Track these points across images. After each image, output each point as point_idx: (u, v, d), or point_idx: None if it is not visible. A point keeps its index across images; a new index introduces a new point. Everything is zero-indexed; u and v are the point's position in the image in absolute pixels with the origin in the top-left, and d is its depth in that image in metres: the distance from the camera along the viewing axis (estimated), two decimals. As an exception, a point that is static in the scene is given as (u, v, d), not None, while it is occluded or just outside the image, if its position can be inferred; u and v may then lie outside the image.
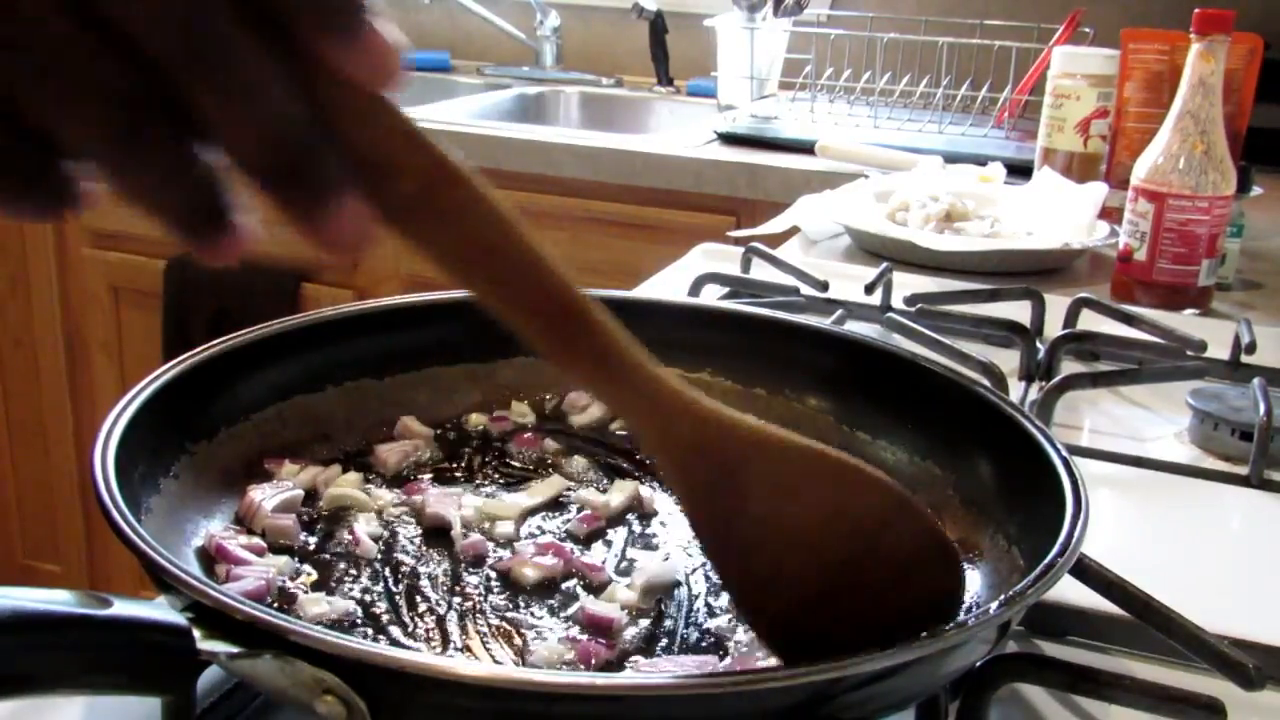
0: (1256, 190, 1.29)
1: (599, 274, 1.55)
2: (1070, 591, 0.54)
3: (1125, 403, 0.89)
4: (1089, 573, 0.54)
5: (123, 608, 0.38)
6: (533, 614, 0.51)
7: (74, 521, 2.23)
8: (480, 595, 0.53)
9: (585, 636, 0.50)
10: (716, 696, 0.39)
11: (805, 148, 1.69)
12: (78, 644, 0.37)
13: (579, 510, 0.60)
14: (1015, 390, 0.86)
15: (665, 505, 0.62)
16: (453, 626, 0.50)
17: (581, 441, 0.68)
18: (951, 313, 0.97)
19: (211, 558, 0.53)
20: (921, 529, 0.45)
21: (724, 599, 0.53)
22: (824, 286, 0.99)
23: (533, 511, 0.60)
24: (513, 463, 0.66)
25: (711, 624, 0.52)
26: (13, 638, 0.36)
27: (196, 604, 0.40)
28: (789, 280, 1.02)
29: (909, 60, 1.92)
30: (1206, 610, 0.52)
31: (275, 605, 0.50)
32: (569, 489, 0.62)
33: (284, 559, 0.54)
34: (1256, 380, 0.80)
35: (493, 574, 0.54)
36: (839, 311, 0.93)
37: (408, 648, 0.48)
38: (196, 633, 0.39)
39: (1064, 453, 0.55)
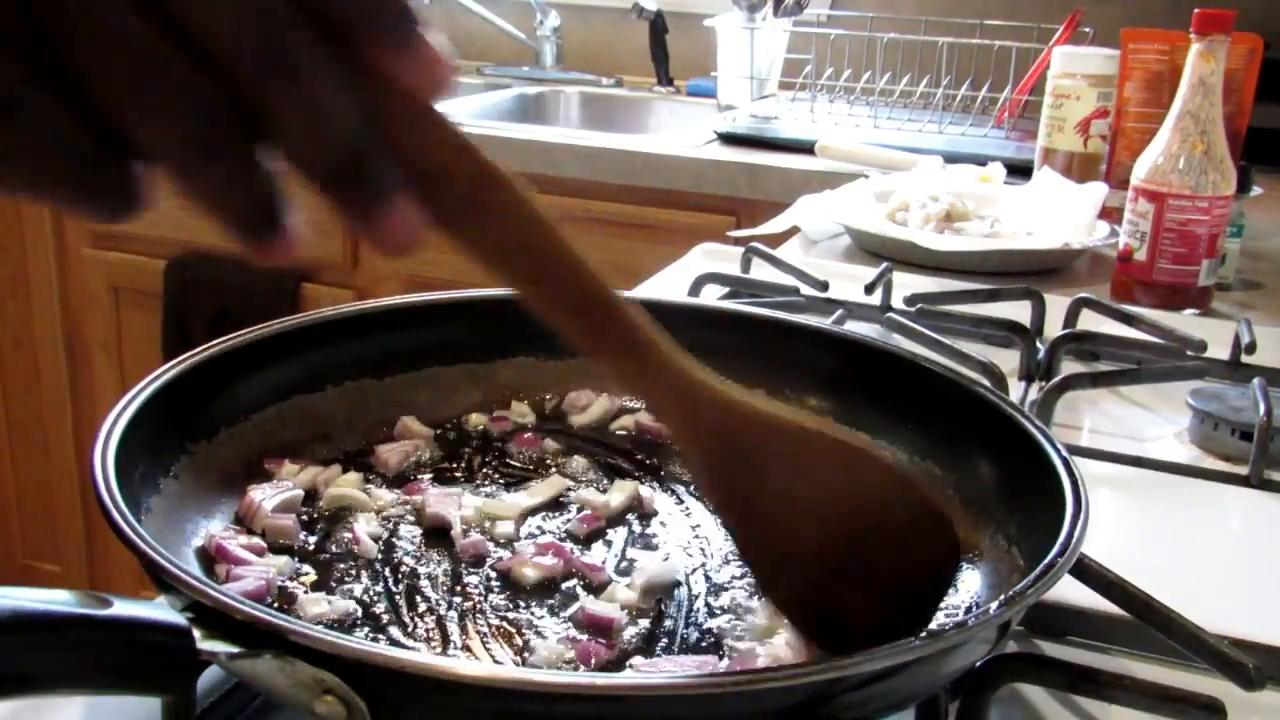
0: (1256, 190, 1.29)
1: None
2: (1070, 591, 0.54)
3: (1125, 403, 0.89)
4: (1089, 573, 0.54)
5: (123, 608, 0.38)
6: (533, 614, 0.51)
7: (74, 521, 2.23)
8: (480, 595, 0.53)
9: (585, 636, 0.50)
10: (716, 696, 0.39)
11: (805, 148, 1.69)
12: (78, 644, 0.37)
13: (579, 510, 0.60)
14: (1015, 390, 0.86)
15: (665, 505, 0.62)
16: (453, 626, 0.50)
17: (581, 441, 0.68)
18: (951, 313, 0.97)
19: (211, 558, 0.53)
20: (919, 501, 0.48)
21: (724, 599, 0.53)
22: (824, 286, 0.99)
23: (533, 511, 0.60)
24: (513, 463, 0.66)
25: (711, 624, 0.52)
26: (13, 638, 0.36)
27: (196, 604, 0.40)
28: (789, 280, 1.02)
29: (909, 60, 1.92)
30: (1206, 610, 0.52)
31: (275, 605, 0.50)
32: (569, 489, 0.62)
33: (284, 559, 0.54)
34: (1256, 380, 0.80)
35: (493, 574, 0.54)
36: (839, 311, 0.93)
37: (408, 648, 0.48)
38: (196, 633, 0.39)
39: (1064, 453, 0.55)
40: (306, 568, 0.54)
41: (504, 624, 0.51)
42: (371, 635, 0.49)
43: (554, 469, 0.65)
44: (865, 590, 0.48)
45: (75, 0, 0.28)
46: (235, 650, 0.39)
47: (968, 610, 0.53)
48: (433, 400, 0.69)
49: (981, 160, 1.54)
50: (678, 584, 0.54)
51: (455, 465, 0.65)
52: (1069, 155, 1.46)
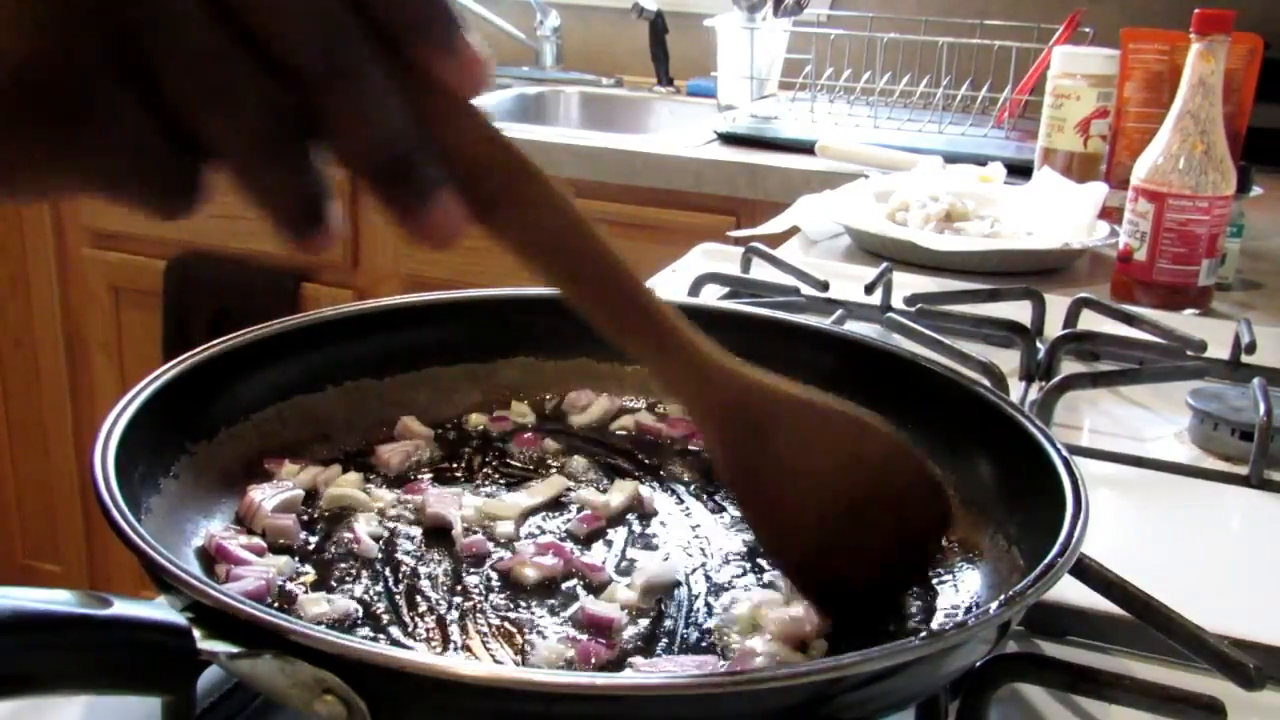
0: (1256, 190, 1.29)
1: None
2: (1070, 591, 0.54)
3: (1125, 403, 0.89)
4: (1089, 573, 0.54)
5: (123, 608, 0.38)
6: (533, 614, 0.51)
7: (74, 521, 2.23)
8: (480, 595, 0.53)
9: (585, 636, 0.49)
10: (716, 696, 0.39)
11: (805, 148, 1.69)
12: (78, 644, 0.37)
13: (579, 510, 0.60)
14: (1015, 390, 0.86)
15: (665, 505, 0.62)
16: (453, 626, 0.50)
17: (581, 441, 0.68)
18: (951, 313, 0.97)
19: (211, 558, 0.53)
20: (916, 468, 0.52)
21: (724, 599, 0.53)
22: (824, 286, 0.99)
23: (533, 511, 0.60)
24: (513, 463, 0.66)
25: (711, 624, 0.52)
26: (13, 638, 0.36)
27: (196, 604, 0.40)
28: (789, 280, 1.02)
29: (909, 60, 1.92)
30: (1206, 610, 0.52)
31: (275, 605, 0.50)
32: (569, 489, 0.62)
33: (284, 559, 0.54)
34: (1256, 380, 0.80)
35: (493, 574, 0.54)
36: (839, 311, 0.93)
37: (408, 648, 0.48)
38: (196, 633, 0.39)
39: (1064, 453, 0.55)
40: (306, 568, 0.54)
41: (504, 624, 0.51)
42: (371, 635, 0.49)
43: (554, 469, 0.65)
44: (864, 553, 0.52)
45: (156, 7, 0.30)
46: (235, 650, 0.39)
47: (968, 610, 0.53)
48: (433, 400, 0.69)
49: (981, 160, 1.54)
50: (678, 584, 0.54)
51: (455, 465, 0.65)
52: (1069, 155, 1.46)
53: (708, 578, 0.55)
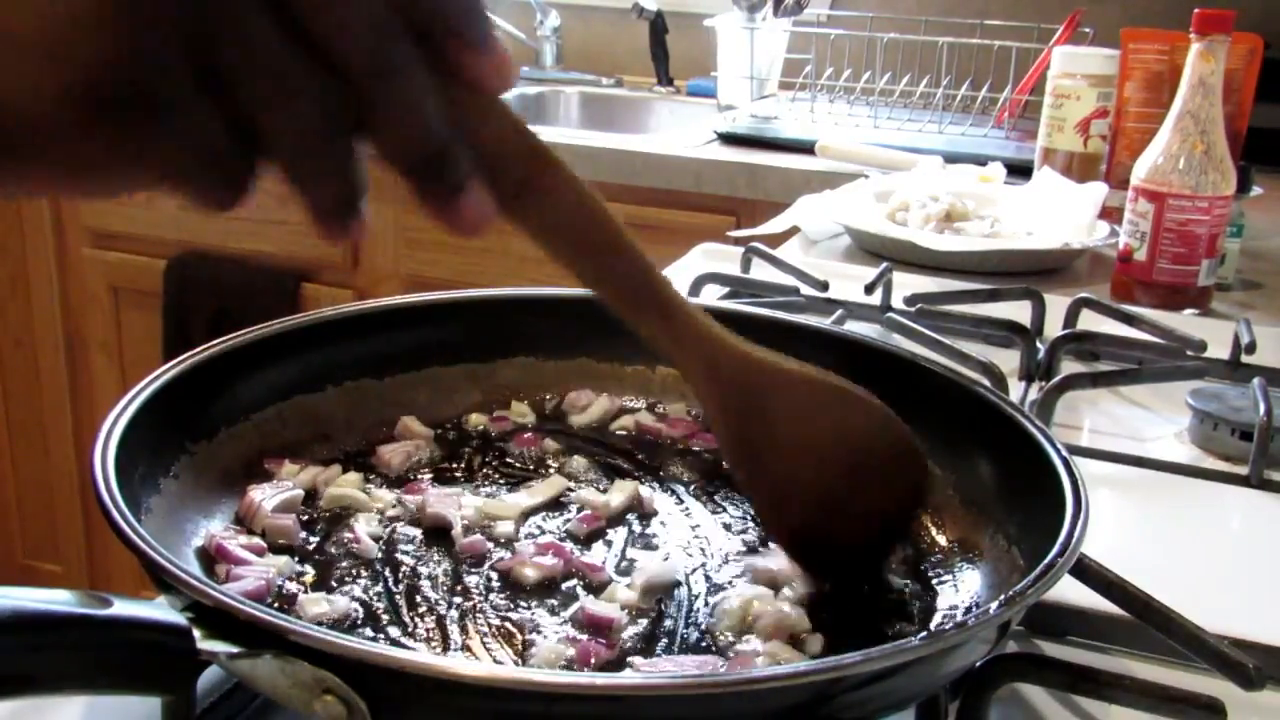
0: (1256, 190, 1.29)
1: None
2: (1070, 591, 0.54)
3: (1125, 403, 0.89)
4: (1089, 573, 0.54)
5: (123, 608, 0.38)
6: (533, 614, 0.51)
7: (74, 521, 2.23)
8: (480, 595, 0.53)
9: (585, 636, 0.50)
10: (716, 696, 0.39)
11: (805, 148, 1.69)
12: (78, 644, 0.37)
13: (579, 510, 0.60)
14: (1015, 390, 0.86)
15: (665, 505, 0.62)
16: (453, 626, 0.50)
17: (581, 441, 0.68)
18: (951, 313, 0.97)
19: (211, 558, 0.53)
20: (900, 437, 0.55)
21: (717, 596, 0.53)
22: (824, 286, 0.99)
23: (533, 511, 0.60)
24: (513, 463, 0.66)
25: (705, 622, 0.51)
26: (13, 638, 0.36)
27: (196, 604, 0.40)
28: (789, 280, 1.02)
29: (909, 60, 1.92)
30: (1206, 610, 0.52)
31: (275, 605, 0.50)
32: (569, 489, 0.62)
33: (284, 559, 0.54)
34: (1256, 380, 0.80)
35: (493, 574, 0.54)
36: (839, 311, 0.93)
37: (408, 648, 0.48)
38: (196, 633, 0.39)
39: (1064, 453, 0.55)
40: (306, 568, 0.54)
41: (504, 624, 0.51)
42: (371, 635, 0.49)
43: (554, 469, 0.65)
44: (853, 518, 0.55)
45: (229, 15, 0.33)
46: (235, 650, 0.39)
47: (968, 610, 0.53)
48: (433, 400, 0.69)
49: (981, 160, 1.54)
50: (678, 584, 0.54)
51: (455, 465, 0.65)
52: (1069, 155, 1.46)
53: (708, 578, 0.55)
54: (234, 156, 0.34)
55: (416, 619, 0.51)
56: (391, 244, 1.84)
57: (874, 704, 0.42)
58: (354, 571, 0.54)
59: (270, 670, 0.38)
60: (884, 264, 1.03)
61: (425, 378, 0.69)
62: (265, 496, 0.57)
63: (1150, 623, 0.52)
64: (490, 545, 0.57)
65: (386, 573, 0.54)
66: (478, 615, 0.51)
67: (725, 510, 0.62)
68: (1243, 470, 0.76)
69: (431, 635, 0.50)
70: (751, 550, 0.58)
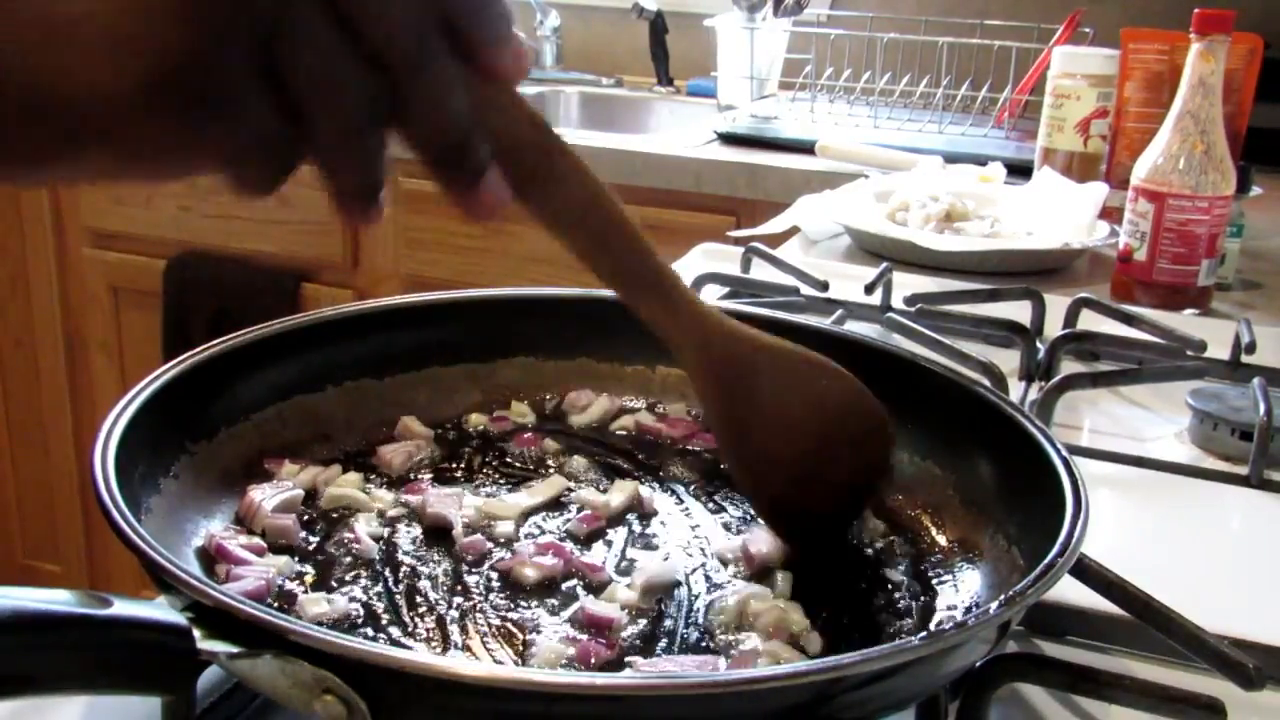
0: (1256, 190, 1.29)
1: (599, 274, 1.55)
2: (1070, 591, 0.54)
3: (1125, 403, 0.89)
4: (1089, 573, 0.54)
5: (123, 608, 0.38)
6: (533, 614, 0.51)
7: (74, 521, 2.23)
8: (480, 595, 0.53)
9: (585, 636, 0.50)
10: (716, 696, 0.39)
11: (805, 148, 1.68)
12: (78, 644, 0.37)
13: (579, 510, 0.60)
14: (1015, 390, 0.86)
15: (665, 505, 0.62)
16: (453, 626, 0.50)
17: (581, 441, 0.68)
18: (951, 313, 0.97)
19: (211, 558, 0.53)
20: (871, 409, 0.57)
21: (715, 595, 0.53)
22: (824, 286, 0.99)
23: (533, 511, 0.60)
24: (513, 463, 0.66)
25: (711, 623, 0.51)
26: (13, 638, 0.36)
27: (196, 604, 0.40)
28: (789, 280, 1.02)
29: (909, 60, 1.92)
30: (1206, 610, 0.52)
31: (275, 605, 0.50)
32: (569, 489, 0.62)
33: (284, 559, 0.54)
34: (1256, 380, 0.80)
35: (493, 574, 0.54)
36: (839, 311, 0.93)
37: (408, 648, 0.48)
38: (196, 633, 0.39)
39: (1064, 453, 0.55)
40: (306, 568, 0.54)
41: (504, 624, 0.51)
42: (371, 635, 0.49)
43: (554, 469, 0.65)
44: (827, 486, 0.58)
45: (286, 10, 0.35)
46: (235, 650, 0.39)
47: (968, 610, 0.53)
48: (433, 400, 0.69)
49: (981, 160, 1.54)
50: (678, 584, 0.54)
51: (455, 465, 0.65)
52: (1069, 155, 1.46)
53: (708, 578, 0.55)
54: (284, 144, 0.36)
55: (416, 619, 0.51)
56: (391, 244, 1.84)
57: (874, 704, 0.42)
58: (354, 571, 0.54)
59: (270, 670, 0.38)
60: (884, 264, 1.03)
61: (425, 378, 0.69)
62: (265, 496, 0.57)
63: (1150, 623, 0.52)
64: (490, 545, 0.57)
65: (386, 573, 0.54)
66: (478, 615, 0.51)
67: (725, 510, 0.62)
68: (1243, 470, 0.76)
69: (431, 635, 0.50)
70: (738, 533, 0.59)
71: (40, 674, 0.37)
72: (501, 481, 0.64)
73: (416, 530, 0.58)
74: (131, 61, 0.34)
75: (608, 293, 0.72)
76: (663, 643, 0.50)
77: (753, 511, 0.61)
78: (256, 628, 0.39)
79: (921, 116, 1.85)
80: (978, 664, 0.47)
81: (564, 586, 0.54)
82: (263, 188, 0.38)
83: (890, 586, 0.56)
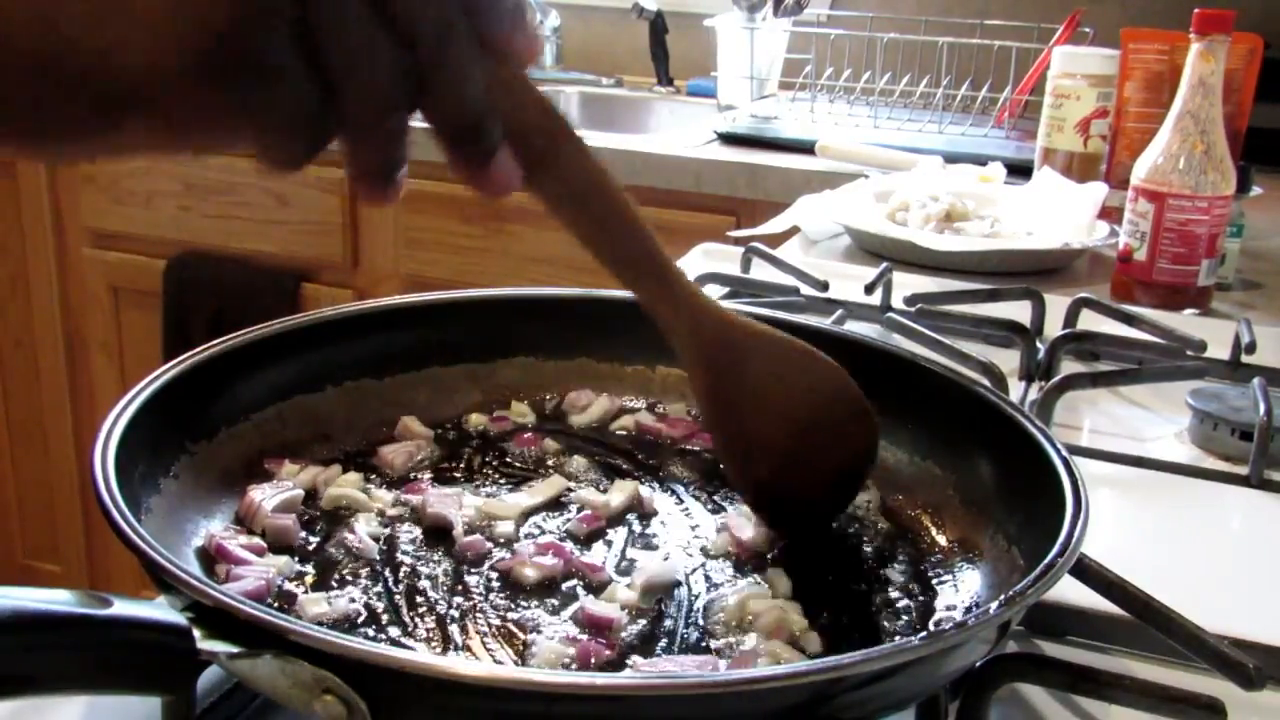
0: (1256, 190, 1.29)
1: (600, 274, 1.55)
2: (1070, 591, 0.54)
3: (1125, 403, 0.89)
4: (1089, 573, 0.54)
5: (123, 608, 0.38)
6: (533, 614, 0.51)
7: (74, 521, 2.23)
8: (480, 595, 0.53)
9: (585, 636, 0.50)
10: (716, 696, 0.39)
11: (805, 148, 1.68)
12: (78, 644, 0.37)
13: (579, 510, 0.60)
14: (1015, 390, 0.86)
15: (665, 505, 0.62)
16: (453, 626, 0.50)
17: (581, 441, 0.68)
18: (951, 313, 0.97)
19: (211, 558, 0.53)
20: (856, 399, 0.58)
21: (714, 594, 0.53)
22: (824, 286, 0.99)
23: (533, 511, 0.60)
24: (513, 463, 0.66)
25: (710, 622, 0.51)
26: (13, 638, 0.36)
27: (196, 604, 0.40)
28: (789, 280, 1.02)
29: (909, 60, 1.92)
30: (1206, 610, 0.52)
31: (275, 605, 0.50)
32: (569, 489, 0.62)
33: (284, 559, 0.54)
34: (1256, 380, 0.80)
35: (493, 574, 0.54)
36: (839, 311, 0.93)
37: (408, 648, 0.48)
38: (196, 633, 0.39)
39: (1064, 453, 0.55)
40: (306, 568, 0.54)
41: (504, 624, 0.51)
42: (372, 635, 0.49)
43: (554, 469, 0.65)
44: (813, 473, 0.58)
45: None
46: (235, 650, 0.39)
47: (968, 610, 0.53)
48: (433, 400, 0.69)
49: (981, 160, 1.54)
50: (678, 584, 0.54)
51: (455, 465, 0.65)
52: (1069, 155, 1.46)
53: (707, 578, 0.55)
54: (317, 119, 0.38)
55: (416, 619, 0.51)
56: (391, 244, 1.84)
57: (874, 704, 0.42)
58: (354, 571, 0.54)
59: (270, 670, 0.38)
60: (884, 264, 1.03)
61: (425, 378, 0.69)
62: (265, 496, 0.57)
63: (1150, 623, 0.52)
64: (490, 545, 0.57)
65: (386, 573, 0.54)
66: (478, 615, 0.51)
67: (725, 510, 0.62)
68: (1243, 470, 0.76)
69: (432, 635, 0.50)
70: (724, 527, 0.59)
71: (40, 674, 0.37)
72: (501, 481, 0.64)
73: (416, 530, 0.58)
74: (179, 32, 0.35)
75: (608, 293, 0.72)
76: (663, 643, 0.50)
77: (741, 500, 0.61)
78: (256, 628, 0.39)
79: (921, 116, 1.85)
80: (978, 664, 0.47)
81: (564, 586, 0.54)
82: (293, 163, 0.39)
83: (890, 586, 0.56)
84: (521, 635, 0.50)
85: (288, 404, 0.64)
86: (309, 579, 0.53)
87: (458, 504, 0.59)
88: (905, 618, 0.53)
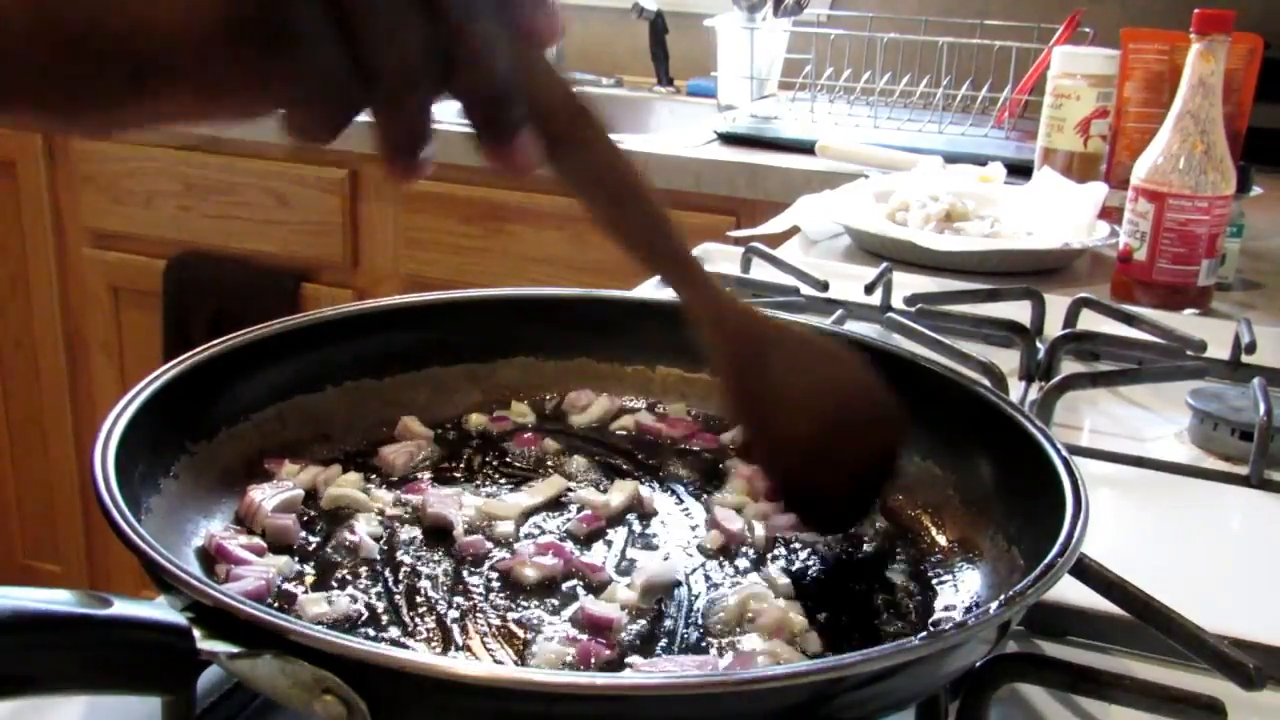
0: (1256, 190, 1.29)
1: (600, 274, 1.55)
2: (1070, 591, 0.54)
3: (1125, 403, 0.89)
4: (1089, 573, 0.54)
5: (123, 608, 0.38)
6: (533, 614, 0.51)
7: (74, 521, 2.23)
8: (480, 595, 0.53)
9: (585, 636, 0.49)
10: (716, 696, 0.39)
11: (805, 148, 1.69)
12: (78, 644, 0.37)
13: (579, 510, 0.60)
14: (1015, 390, 0.86)
15: (665, 505, 0.62)
16: (453, 626, 0.50)
17: (581, 441, 0.68)
18: (951, 313, 0.97)
19: (211, 558, 0.53)
20: (883, 398, 0.57)
21: (714, 593, 0.53)
22: (824, 286, 0.99)
23: (533, 511, 0.60)
24: (513, 463, 0.66)
25: (710, 621, 0.51)
26: (13, 638, 0.36)
27: (196, 604, 0.40)
28: (789, 280, 1.02)
29: (909, 60, 1.92)
30: (1206, 610, 0.52)
31: (275, 605, 0.50)
32: (569, 489, 0.62)
33: (284, 559, 0.54)
34: (1256, 380, 0.80)
35: (493, 574, 0.54)
36: (839, 311, 0.93)
37: (408, 648, 0.48)
38: (196, 633, 0.39)
39: (1064, 453, 0.55)
40: (306, 568, 0.54)
41: (504, 624, 0.51)
42: (372, 635, 0.49)
43: (554, 469, 0.65)
44: (840, 467, 0.58)
45: None
46: (235, 650, 0.39)
47: (968, 610, 0.53)
48: (433, 400, 0.69)
49: (981, 160, 1.54)
50: (678, 584, 0.54)
51: (455, 465, 0.65)
52: (1069, 155, 1.46)
53: (707, 577, 0.55)
54: (347, 92, 0.38)
55: (417, 619, 0.51)
56: (391, 244, 1.84)
57: (874, 704, 0.42)
58: (354, 571, 0.54)
59: (270, 670, 0.38)
60: (884, 264, 1.03)
61: (425, 378, 0.69)
62: (265, 496, 0.57)
63: (1150, 623, 0.52)
64: (490, 545, 0.57)
65: (386, 573, 0.54)
66: (478, 615, 0.51)
67: (714, 509, 0.62)
68: (1243, 470, 0.76)
69: (432, 635, 0.50)
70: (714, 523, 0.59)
71: (40, 674, 0.37)
72: (501, 481, 0.64)
73: (416, 530, 0.58)
74: (209, 5, 0.36)
75: (608, 293, 0.72)
76: (663, 643, 0.50)
77: (726, 490, 0.63)
78: (256, 628, 0.39)
79: (921, 116, 1.85)
80: (978, 664, 0.47)
81: (564, 586, 0.54)
82: (323, 135, 0.39)
83: (890, 586, 0.56)
84: (521, 635, 0.50)
85: (288, 404, 0.64)
86: (309, 579, 0.53)
87: (458, 504, 0.59)
88: (905, 618, 0.53)
